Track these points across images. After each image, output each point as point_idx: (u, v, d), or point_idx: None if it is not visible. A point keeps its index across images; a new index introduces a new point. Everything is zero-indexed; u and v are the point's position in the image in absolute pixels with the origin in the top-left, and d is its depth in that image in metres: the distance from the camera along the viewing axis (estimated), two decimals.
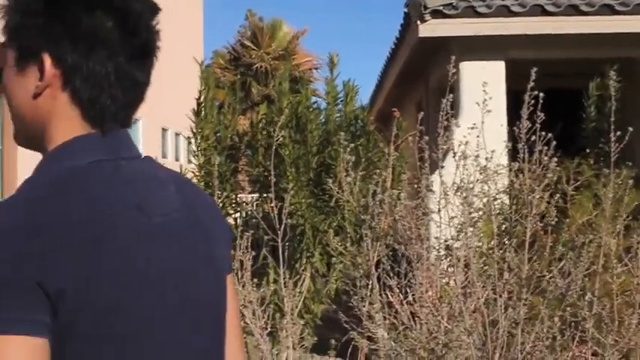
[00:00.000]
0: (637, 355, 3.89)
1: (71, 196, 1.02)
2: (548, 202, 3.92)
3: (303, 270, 6.33)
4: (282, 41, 29.04)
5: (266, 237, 5.35)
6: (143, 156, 1.17)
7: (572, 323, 3.81)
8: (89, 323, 0.98)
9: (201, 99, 7.25)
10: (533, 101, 3.91)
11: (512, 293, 3.72)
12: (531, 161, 3.93)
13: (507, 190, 4.28)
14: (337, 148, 5.46)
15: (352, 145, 5.10)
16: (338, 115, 7.31)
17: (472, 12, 7.36)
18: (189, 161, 8.06)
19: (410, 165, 6.06)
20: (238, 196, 7.16)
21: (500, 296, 3.69)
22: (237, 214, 7.03)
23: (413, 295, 3.96)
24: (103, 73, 1.09)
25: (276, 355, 4.38)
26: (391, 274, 4.06)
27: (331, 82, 7.41)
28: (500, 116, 6.91)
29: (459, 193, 4.00)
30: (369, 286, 4.09)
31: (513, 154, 4.11)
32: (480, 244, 4.18)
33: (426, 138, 4.24)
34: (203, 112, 7.20)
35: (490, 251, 3.95)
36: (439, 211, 4.05)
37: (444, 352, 3.66)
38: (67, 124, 1.10)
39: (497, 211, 4.11)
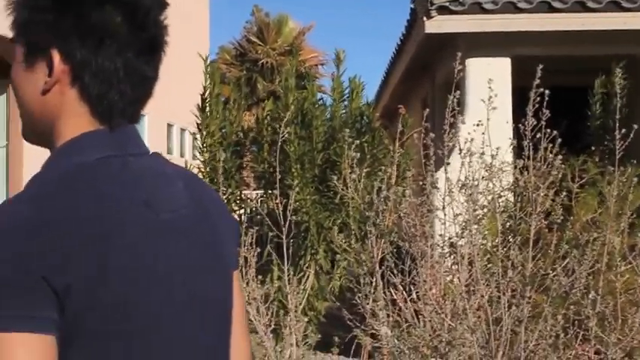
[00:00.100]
0: None
1: (79, 192, 1.03)
2: (553, 200, 3.91)
3: (307, 267, 6.33)
4: (288, 37, 29.02)
5: (270, 233, 5.35)
6: (151, 152, 1.17)
7: (576, 321, 3.81)
8: (97, 319, 0.98)
9: (206, 95, 7.25)
10: (538, 98, 3.90)
11: (515, 291, 3.71)
12: (536, 159, 3.92)
13: (512, 187, 4.27)
14: (342, 144, 5.46)
15: (357, 141, 5.09)
16: (343, 111, 7.30)
17: (478, 8, 7.35)
18: (194, 157, 8.06)
19: (415, 162, 6.05)
20: (243, 192, 7.16)
21: (504, 294, 3.68)
22: (242, 211, 7.03)
23: (417, 292, 3.96)
24: (112, 69, 1.08)
25: (280, 353, 4.38)
26: (395, 272, 4.06)
27: (337, 78, 7.40)
28: (506, 113, 6.89)
29: (463, 191, 4.00)
30: (373, 284, 4.09)
31: (518, 151, 4.10)
32: (485, 241, 4.18)
33: (432, 135, 4.23)
34: (208, 108, 7.19)
35: (494, 249, 3.95)
36: (444, 208, 4.04)
37: (447, 349, 3.66)
38: (76, 120, 1.10)
39: (502, 209, 4.10)
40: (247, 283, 4.22)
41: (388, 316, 4.05)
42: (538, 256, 3.78)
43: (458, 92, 4.15)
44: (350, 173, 4.64)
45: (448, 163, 4.11)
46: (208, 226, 1.17)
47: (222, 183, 5.65)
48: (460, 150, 4.03)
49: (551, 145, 3.93)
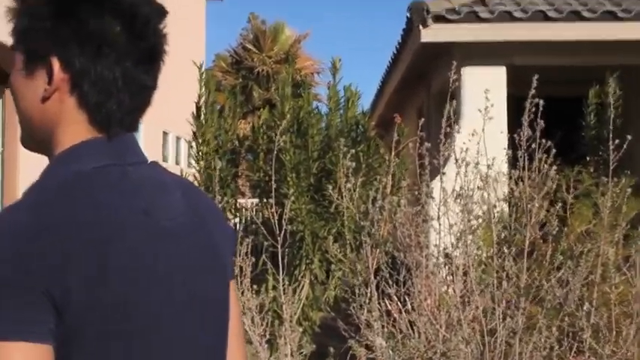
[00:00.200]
0: None
1: (77, 199, 1.03)
2: (548, 211, 3.91)
3: (302, 277, 6.32)
4: (284, 45, 29.02)
5: (265, 243, 5.34)
6: (149, 161, 1.17)
7: (570, 333, 3.80)
8: (97, 319, 0.99)
9: (202, 103, 7.25)
10: (533, 108, 3.91)
11: (510, 302, 3.71)
12: (531, 169, 3.92)
13: (507, 197, 4.27)
14: (338, 153, 5.46)
15: (353, 150, 5.09)
16: (339, 120, 7.30)
17: (475, 17, 7.35)
18: (190, 165, 8.05)
19: (410, 171, 6.06)
20: (238, 201, 7.15)
21: (499, 305, 3.68)
22: (237, 220, 7.02)
23: (411, 303, 3.96)
24: (111, 78, 1.09)
25: None
26: (390, 282, 4.05)
27: (333, 87, 7.41)
28: (501, 122, 6.90)
29: (458, 201, 4.00)
30: (368, 294, 4.08)
31: (513, 161, 4.10)
32: (479, 252, 4.18)
33: (427, 144, 4.23)
34: (204, 116, 7.19)
35: (489, 259, 3.95)
36: (439, 218, 4.04)
37: None
38: (74, 128, 1.10)
39: (497, 219, 4.10)
40: (242, 293, 4.21)
41: (383, 326, 4.05)
42: (533, 267, 3.78)
43: (454, 102, 4.16)
44: (345, 182, 4.64)
45: (444, 173, 4.11)
46: (205, 233, 1.17)
47: (217, 191, 5.64)
48: (456, 159, 4.04)
49: (545, 155, 3.94)
